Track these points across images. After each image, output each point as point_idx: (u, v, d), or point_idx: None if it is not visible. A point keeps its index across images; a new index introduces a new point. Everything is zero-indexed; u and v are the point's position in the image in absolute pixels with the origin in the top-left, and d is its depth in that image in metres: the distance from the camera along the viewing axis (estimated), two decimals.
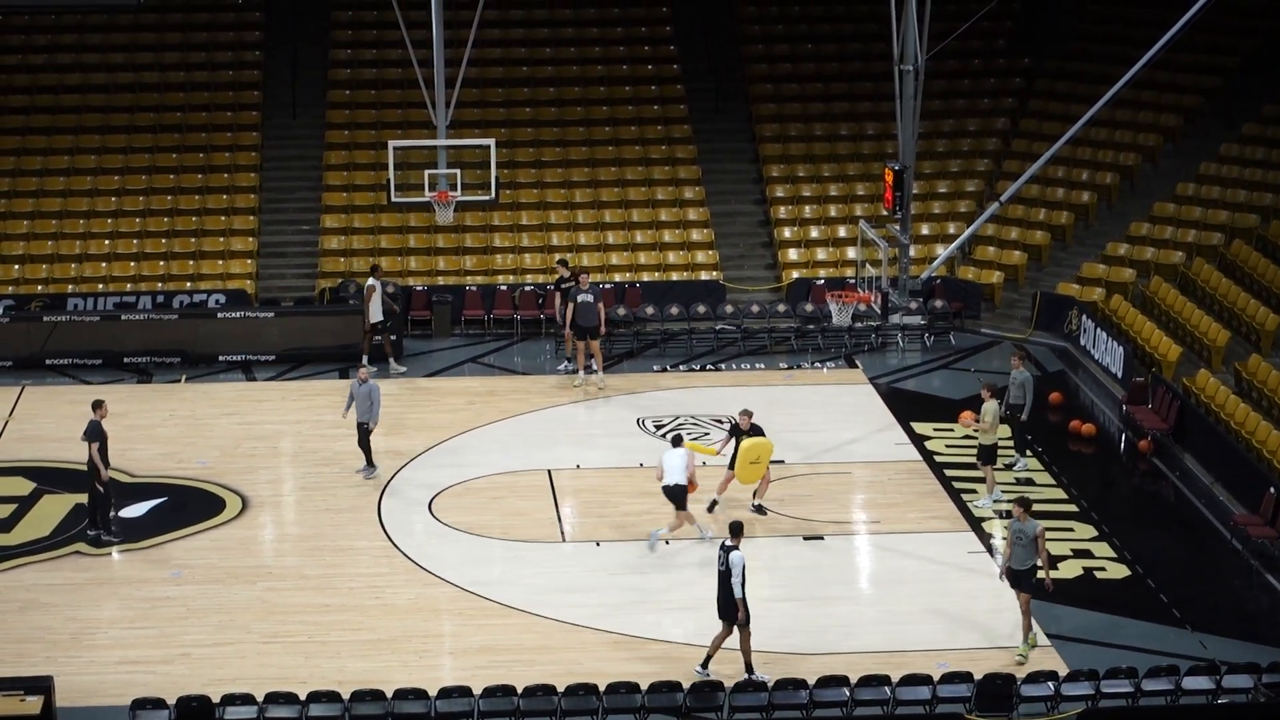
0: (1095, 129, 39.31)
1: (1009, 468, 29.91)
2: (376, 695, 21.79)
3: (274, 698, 21.70)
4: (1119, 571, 26.46)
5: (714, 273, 38.84)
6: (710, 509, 27.72)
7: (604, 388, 33.74)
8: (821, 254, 39.45)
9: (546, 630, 24.49)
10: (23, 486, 29.07)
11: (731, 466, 27.65)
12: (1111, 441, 32.46)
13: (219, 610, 24.98)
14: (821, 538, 27.41)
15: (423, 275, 38.45)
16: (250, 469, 29.95)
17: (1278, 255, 35.09)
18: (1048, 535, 24.35)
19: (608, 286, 36.99)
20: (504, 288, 37.52)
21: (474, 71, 39.58)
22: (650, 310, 37.16)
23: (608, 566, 26.42)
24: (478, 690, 21.83)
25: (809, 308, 37.19)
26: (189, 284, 37.94)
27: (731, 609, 22.68)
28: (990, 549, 26.92)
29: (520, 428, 31.92)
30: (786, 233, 39.93)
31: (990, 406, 28.64)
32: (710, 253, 39.28)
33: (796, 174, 41.35)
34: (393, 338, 34.85)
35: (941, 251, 37.78)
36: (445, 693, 21.81)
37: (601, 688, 21.96)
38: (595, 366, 34.02)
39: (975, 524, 27.89)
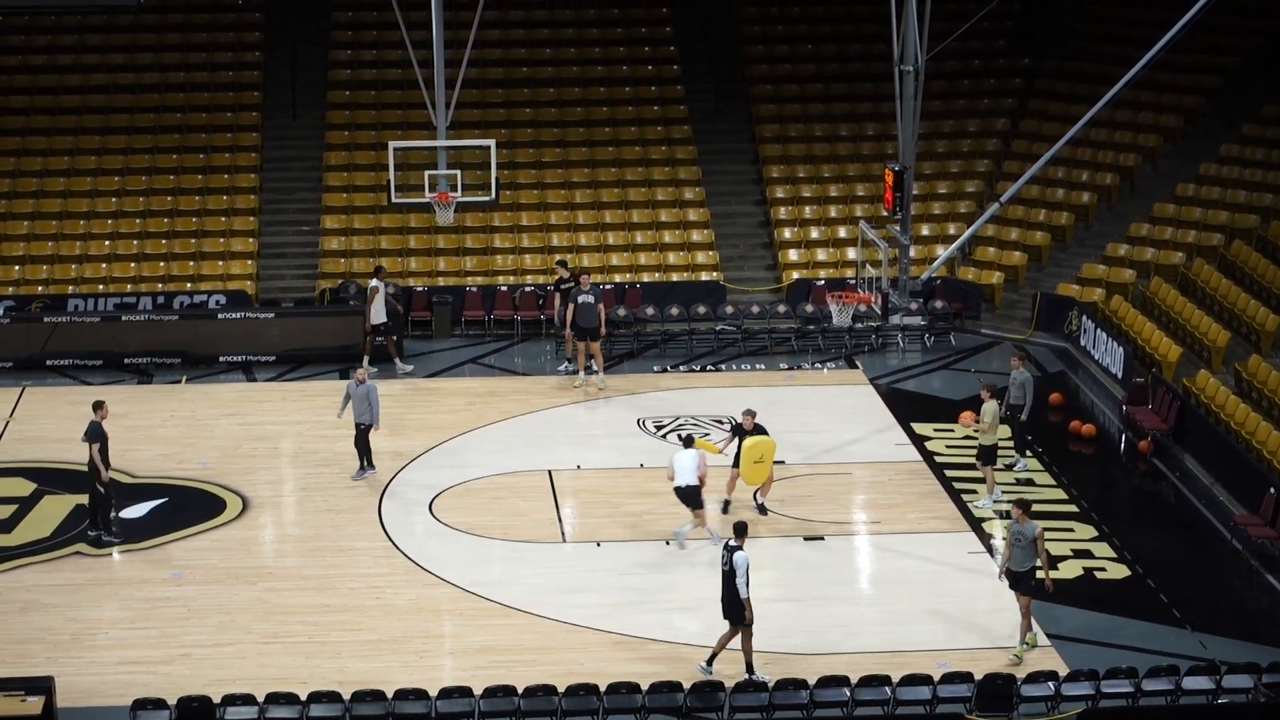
0: (1095, 129, 39.31)
1: (1009, 468, 29.91)
2: (377, 695, 21.80)
3: (274, 698, 21.71)
4: (1119, 572, 26.47)
5: (714, 273, 38.84)
6: (724, 510, 27.73)
7: (604, 388, 33.75)
8: (822, 255, 39.46)
9: (547, 630, 24.49)
10: (23, 487, 29.07)
11: (735, 465, 27.68)
12: (1111, 442, 32.46)
13: (219, 611, 24.99)
14: (822, 538, 27.41)
15: (423, 276, 38.46)
16: (251, 470, 29.96)
17: (1278, 256, 35.10)
18: (1048, 536, 24.37)
19: (608, 287, 37.00)
20: (504, 288, 37.53)
21: (474, 72, 39.59)
22: (650, 311, 37.16)
23: (608, 567, 26.43)
24: (478, 691, 21.84)
25: (809, 308, 37.19)
26: (189, 285, 37.95)
27: (737, 609, 22.71)
28: (990, 549, 26.93)
29: (521, 428, 31.93)
30: (787, 233, 39.94)
31: (990, 407, 28.64)
32: (710, 253, 39.28)
33: (796, 174, 41.35)
34: (394, 338, 34.86)
35: (942, 252, 37.78)
36: (446, 693, 21.82)
37: (602, 688, 21.97)
38: (595, 367, 34.03)
39: (975, 524, 27.90)
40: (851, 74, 43.32)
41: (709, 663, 23.05)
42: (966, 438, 30.24)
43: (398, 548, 27.06)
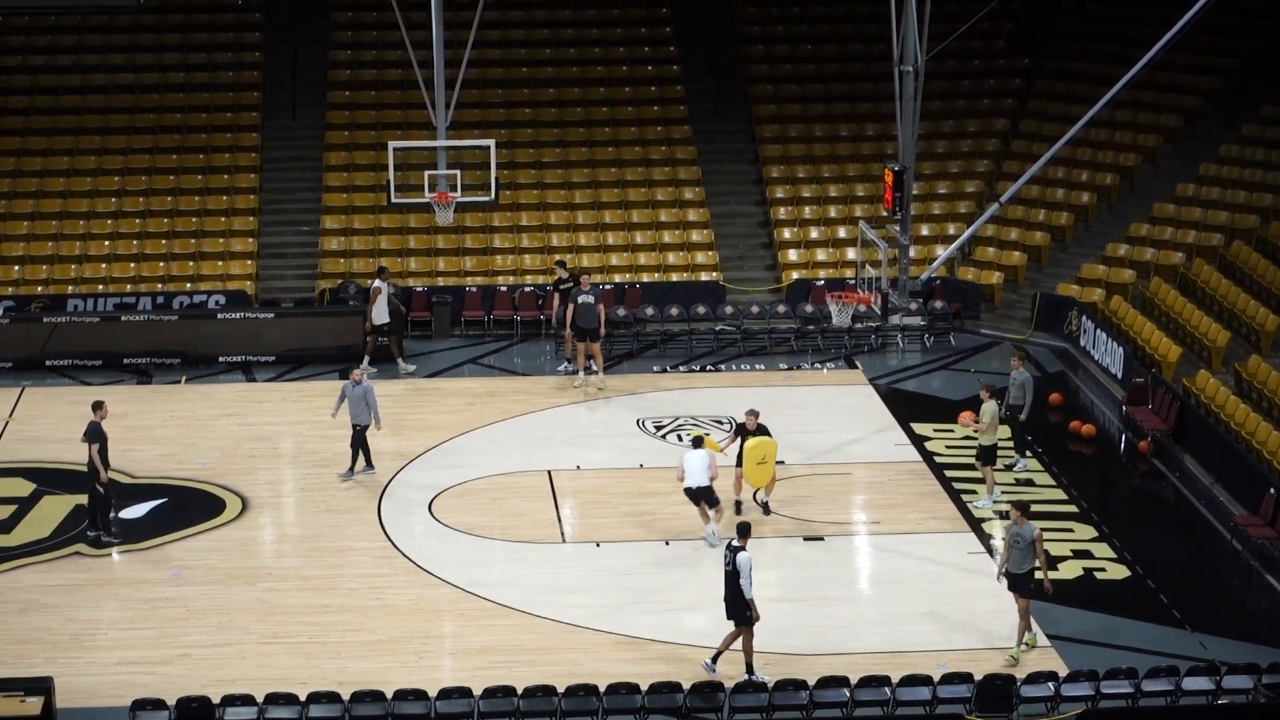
0: (1095, 129, 39.29)
1: (1009, 468, 29.91)
2: (376, 696, 21.80)
3: (274, 698, 21.70)
4: (1119, 572, 26.47)
5: (714, 273, 38.84)
6: (737, 510, 27.73)
7: (604, 388, 33.74)
8: (821, 255, 39.45)
9: (546, 631, 24.49)
10: (23, 487, 29.07)
11: (739, 464, 27.68)
12: (1111, 442, 32.45)
13: (219, 611, 24.99)
14: (821, 538, 27.41)
15: (423, 276, 38.45)
16: (250, 470, 29.95)
17: (1278, 256, 35.09)
18: (1047, 536, 24.35)
19: (608, 287, 36.99)
20: (504, 288, 37.53)
21: (474, 72, 39.58)
22: (650, 311, 37.15)
23: (608, 567, 26.42)
24: (478, 691, 21.84)
25: (809, 308, 37.18)
26: (189, 285, 37.94)
27: (741, 609, 22.72)
28: (990, 550, 26.93)
29: (520, 428, 31.92)
30: (786, 233, 39.93)
31: (989, 407, 28.64)
32: (710, 253, 39.27)
33: (796, 175, 41.35)
34: (397, 338, 34.83)
35: (941, 252, 37.76)
36: (445, 693, 21.82)
37: (602, 688, 21.97)
38: (595, 367, 34.03)
39: (975, 525, 27.89)
40: (851, 74, 43.31)
41: (714, 660, 23.06)
42: (966, 438, 30.24)
43: (397, 548, 27.05)
